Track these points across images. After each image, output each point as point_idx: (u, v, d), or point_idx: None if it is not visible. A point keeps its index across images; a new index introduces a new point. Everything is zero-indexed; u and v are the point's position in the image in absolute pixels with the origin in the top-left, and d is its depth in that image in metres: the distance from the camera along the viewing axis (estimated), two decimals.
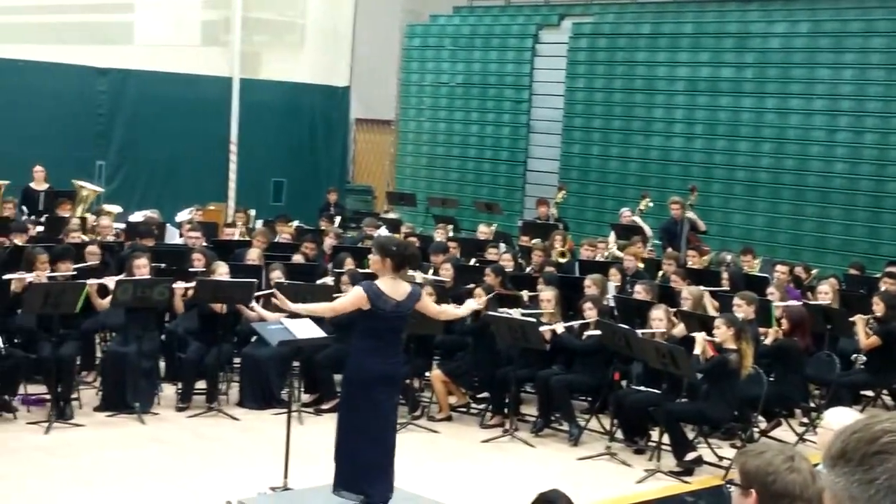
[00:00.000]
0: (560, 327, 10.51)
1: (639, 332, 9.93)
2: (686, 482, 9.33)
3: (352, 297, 7.45)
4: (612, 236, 15.87)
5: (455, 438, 10.46)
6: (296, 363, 9.98)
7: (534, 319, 10.43)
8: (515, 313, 10.60)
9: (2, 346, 9.90)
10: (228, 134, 21.80)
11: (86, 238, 13.39)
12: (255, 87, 22.06)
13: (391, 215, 19.78)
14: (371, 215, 18.78)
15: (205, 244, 13.45)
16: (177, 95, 20.89)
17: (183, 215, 16.64)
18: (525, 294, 11.74)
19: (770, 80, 18.61)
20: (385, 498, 7.49)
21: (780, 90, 18.48)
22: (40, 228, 14.01)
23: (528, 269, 13.77)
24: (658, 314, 10.19)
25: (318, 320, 8.72)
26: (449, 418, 11.02)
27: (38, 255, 10.66)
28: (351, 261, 12.54)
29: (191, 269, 11.73)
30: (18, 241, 12.52)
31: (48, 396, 10.21)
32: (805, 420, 11.07)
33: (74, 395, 10.47)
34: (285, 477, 8.19)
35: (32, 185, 16.34)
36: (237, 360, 11.46)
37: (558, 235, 15.08)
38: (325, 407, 10.91)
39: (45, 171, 16.43)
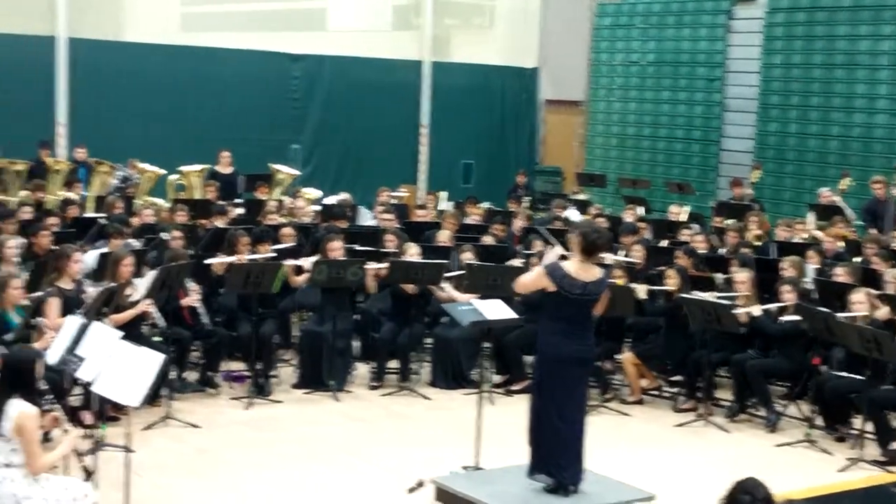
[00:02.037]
0: (756, 310, 10.24)
1: (839, 315, 9.59)
2: (891, 472, 8.97)
3: (533, 276, 7.48)
4: (811, 217, 15.32)
5: (647, 422, 10.34)
6: (486, 344, 10.02)
7: (728, 302, 10.19)
8: (709, 296, 10.39)
9: (208, 322, 10.29)
10: (419, 117, 22.12)
11: (283, 220, 13.76)
12: (445, 70, 22.28)
13: (580, 196, 19.62)
14: (560, 196, 18.66)
15: (397, 226, 13.67)
16: (369, 80, 21.25)
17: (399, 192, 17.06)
18: (719, 276, 11.49)
19: None
20: (576, 480, 7.44)
21: None
22: (240, 211, 14.44)
23: (722, 251, 13.46)
24: (859, 297, 9.82)
25: (509, 301, 8.71)
26: (640, 401, 10.90)
27: (240, 236, 11.03)
28: (540, 242, 12.51)
29: (383, 251, 11.94)
30: (219, 223, 12.99)
31: (248, 373, 10.57)
32: None
33: (273, 373, 10.81)
34: (476, 456, 8.23)
35: (218, 168, 16.76)
36: (429, 340, 11.60)
37: (754, 216, 14.67)
38: (515, 388, 10.94)
39: (231, 155, 16.77)
